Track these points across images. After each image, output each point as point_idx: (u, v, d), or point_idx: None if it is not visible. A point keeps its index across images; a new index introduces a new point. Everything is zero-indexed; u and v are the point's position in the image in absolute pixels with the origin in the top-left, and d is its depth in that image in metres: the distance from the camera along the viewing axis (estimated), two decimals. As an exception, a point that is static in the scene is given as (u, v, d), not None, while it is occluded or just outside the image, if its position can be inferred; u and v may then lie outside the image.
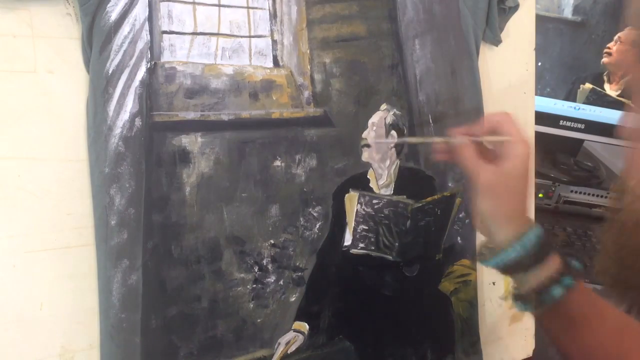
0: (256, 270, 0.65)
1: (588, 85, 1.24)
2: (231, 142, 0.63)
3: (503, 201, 0.54)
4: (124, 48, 0.57)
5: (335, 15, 0.68)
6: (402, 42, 0.72)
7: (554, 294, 0.52)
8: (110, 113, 0.57)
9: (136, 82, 0.58)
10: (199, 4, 0.61)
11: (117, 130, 0.57)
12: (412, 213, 0.73)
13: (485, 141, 0.57)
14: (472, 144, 0.57)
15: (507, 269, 0.55)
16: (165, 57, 0.60)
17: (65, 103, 0.57)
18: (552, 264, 0.52)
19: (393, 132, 0.72)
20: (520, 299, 0.55)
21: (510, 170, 0.54)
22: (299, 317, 0.68)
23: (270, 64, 0.66)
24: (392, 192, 0.73)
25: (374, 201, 0.72)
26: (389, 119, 0.72)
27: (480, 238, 0.80)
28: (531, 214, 0.89)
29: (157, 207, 0.59)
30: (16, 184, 0.56)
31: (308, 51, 0.67)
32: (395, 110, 0.72)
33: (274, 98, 0.65)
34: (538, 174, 1.26)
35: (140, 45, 0.58)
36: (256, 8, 0.65)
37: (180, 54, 0.61)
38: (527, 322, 0.89)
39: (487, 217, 0.56)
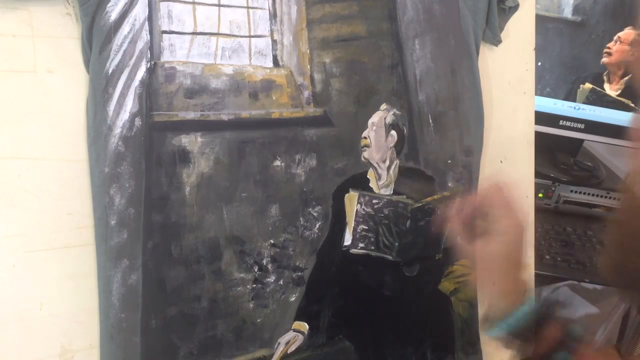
0: (256, 270, 0.65)
1: (588, 85, 1.24)
2: (231, 142, 0.63)
3: (486, 279, 0.53)
4: (123, 48, 0.57)
5: (335, 15, 0.68)
6: (402, 42, 0.72)
7: None
8: (110, 113, 0.57)
9: (136, 82, 0.58)
10: (198, 3, 0.61)
11: (117, 130, 0.57)
12: (412, 213, 0.73)
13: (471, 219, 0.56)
14: (457, 220, 0.55)
15: (502, 342, 0.54)
16: (165, 57, 0.60)
17: (65, 103, 0.57)
18: (546, 340, 0.51)
19: (393, 132, 0.72)
20: None
21: (492, 252, 0.52)
22: (299, 317, 0.68)
23: (270, 64, 0.66)
24: (392, 192, 0.73)
25: (374, 201, 0.72)
26: (389, 118, 0.72)
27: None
28: (531, 215, 0.90)
29: (157, 207, 0.59)
30: (16, 184, 0.56)
31: (308, 51, 0.67)
32: (395, 110, 0.72)
33: (274, 98, 0.65)
34: (538, 174, 1.26)
35: (140, 45, 0.58)
36: (256, 8, 0.65)
37: (180, 53, 0.61)
38: (527, 322, 0.89)
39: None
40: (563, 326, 0.52)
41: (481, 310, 0.79)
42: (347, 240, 0.71)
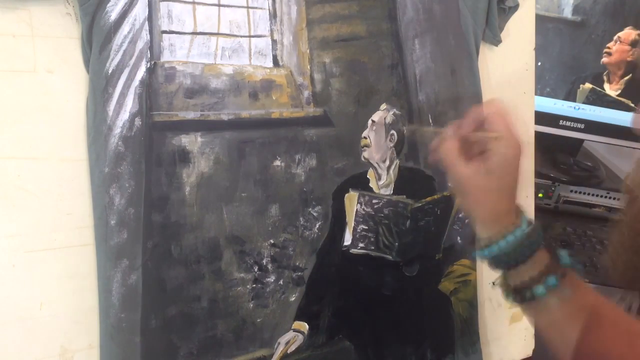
0: (256, 270, 0.65)
1: (588, 85, 1.24)
2: (231, 142, 0.63)
3: (481, 201, 0.52)
4: (123, 48, 0.57)
5: (335, 15, 0.68)
6: (402, 42, 0.72)
7: (535, 292, 0.51)
8: (110, 113, 0.57)
9: (136, 81, 0.58)
10: (198, 3, 0.61)
11: (117, 130, 0.57)
12: (412, 213, 0.73)
13: (471, 136, 0.54)
14: (454, 139, 0.54)
15: (490, 265, 0.54)
16: (165, 57, 0.60)
17: (65, 103, 0.57)
18: (537, 263, 0.51)
19: (393, 132, 0.72)
20: (507, 291, 0.54)
21: (492, 170, 0.51)
22: (299, 317, 0.68)
23: (270, 64, 0.66)
24: (391, 192, 0.73)
25: (374, 201, 0.72)
26: (389, 118, 0.72)
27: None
28: (530, 213, 0.90)
29: (157, 207, 0.59)
30: (16, 184, 0.56)
31: (308, 51, 0.67)
32: (395, 110, 0.72)
33: (274, 98, 0.65)
34: (538, 174, 1.26)
35: (140, 45, 0.58)
36: (256, 8, 0.65)
37: (180, 53, 0.61)
38: (527, 322, 0.89)
39: (468, 214, 0.54)
40: (553, 251, 0.52)
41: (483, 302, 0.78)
42: (347, 240, 0.71)
